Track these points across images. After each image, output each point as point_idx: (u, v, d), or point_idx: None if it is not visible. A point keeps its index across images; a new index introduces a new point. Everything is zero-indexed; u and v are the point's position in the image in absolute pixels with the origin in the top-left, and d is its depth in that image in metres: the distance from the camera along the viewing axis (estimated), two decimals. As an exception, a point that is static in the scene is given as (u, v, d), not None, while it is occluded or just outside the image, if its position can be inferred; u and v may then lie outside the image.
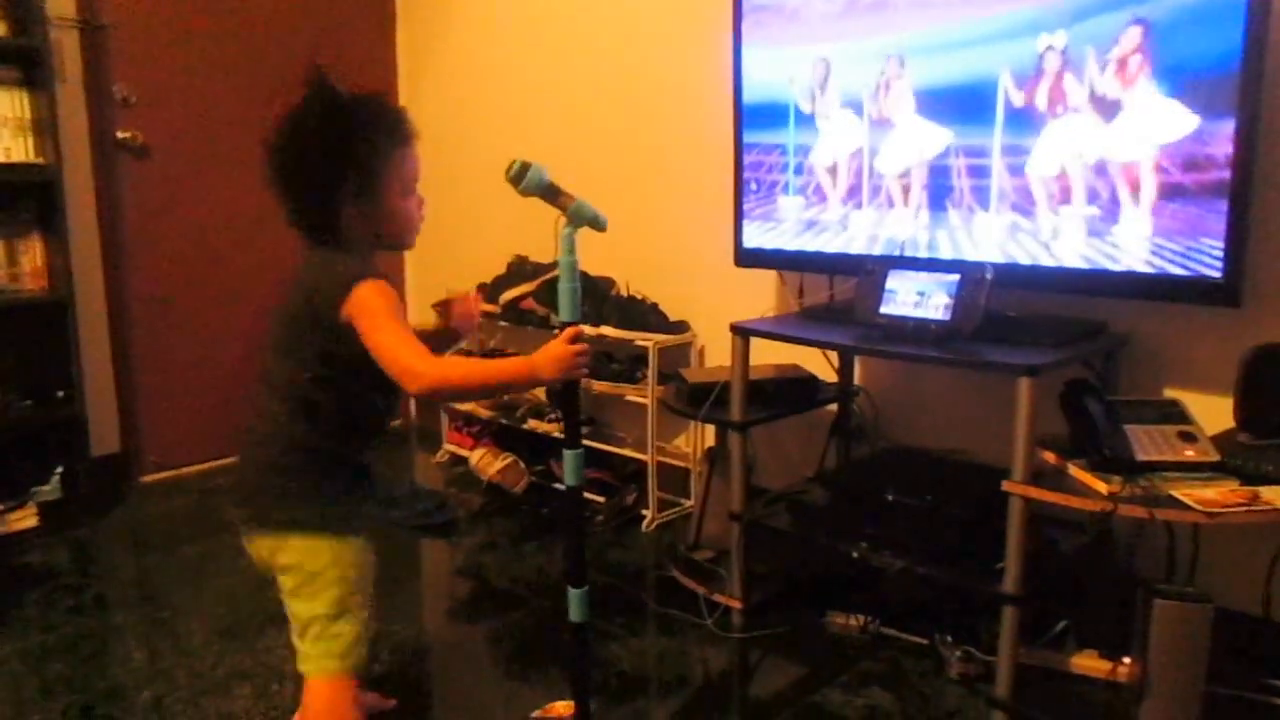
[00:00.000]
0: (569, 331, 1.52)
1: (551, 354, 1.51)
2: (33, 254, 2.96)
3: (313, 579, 1.53)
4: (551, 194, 1.54)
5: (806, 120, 2.34)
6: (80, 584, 2.57)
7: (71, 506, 3.03)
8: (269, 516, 1.55)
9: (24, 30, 2.85)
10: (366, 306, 1.47)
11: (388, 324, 1.47)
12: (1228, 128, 1.73)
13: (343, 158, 1.49)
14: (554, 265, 3.15)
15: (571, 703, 1.71)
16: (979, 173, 2.07)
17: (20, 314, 2.96)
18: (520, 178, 1.51)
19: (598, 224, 1.56)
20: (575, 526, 1.67)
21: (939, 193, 2.14)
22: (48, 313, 2.95)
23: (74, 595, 2.49)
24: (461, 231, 3.78)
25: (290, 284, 1.57)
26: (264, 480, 1.56)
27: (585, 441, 3.06)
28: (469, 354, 3.57)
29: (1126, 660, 1.84)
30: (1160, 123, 1.81)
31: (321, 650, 1.54)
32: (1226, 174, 1.74)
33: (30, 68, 2.89)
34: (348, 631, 1.54)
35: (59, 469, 3.05)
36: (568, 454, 1.60)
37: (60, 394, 3.01)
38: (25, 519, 2.93)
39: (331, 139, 1.49)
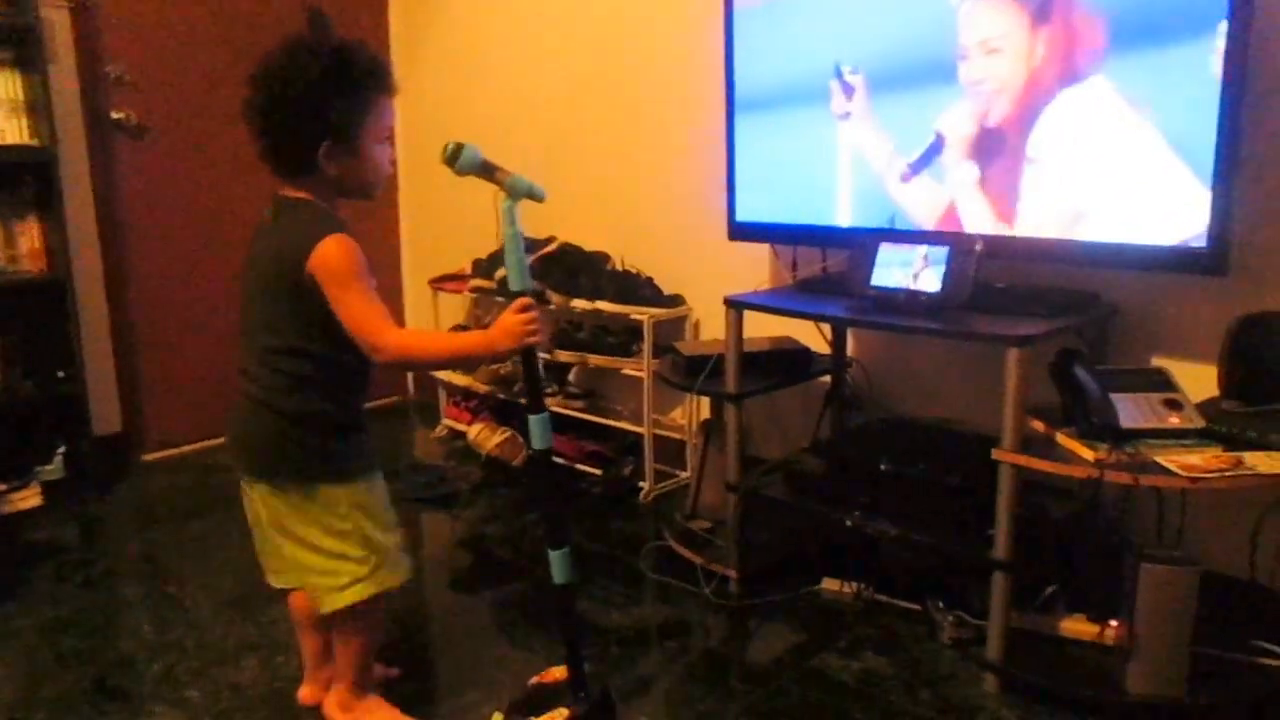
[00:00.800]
0: (518, 302, 1.60)
1: (504, 325, 1.59)
2: (30, 235, 2.98)
3: (331, 524, 1.63)
4: (487, 171, 1.60)
5: (799, 98, 2.36)
6: (88, 560, 2.61)
7: (75, 485, 3.07)
8: (279, 471, 1.64)
9: (15, 9, 2.84)
10: (330, 267, 1.53)
11: (352, 288, 1.54)
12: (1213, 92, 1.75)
13: (329, 98, 1.53)
14: (546, 242, 3.20)
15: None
16: (969, 143, 2.08)
17: (19, 295, 2.98)
18: (455, 158, 1.57)
19: (534, 195, 1.63)
20: (548, 489, 1.73)
21: (928, 163, 2.16)
22: (46, 293, 2.97)
23: (82, 571, 2.53)
24: (456, 208, 3.79)
25: (255, 249, 1.64)
26: (267, 442, 1.63)
27: (582, 415, 3.14)
28: (464, 329, 3.60)
29: (1114, 623, 1.88)
30: (1145, 93, 1.83)
31: (355, 579, 1.65)
32: (1210, 142, 1.76)
33: (22, 47, 2.89)
34: (376, 561, 1.67)
35: (62, 448, 3.09)
36: (532, 419, 1.67)
37: (61, 374, 3.04)
38: (29, 498, 2.96)
39: (322, 81, 1.52)
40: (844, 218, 2.33)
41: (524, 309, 1.59)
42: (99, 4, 3.15)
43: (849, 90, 2.25)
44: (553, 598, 1.72)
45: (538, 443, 1.68)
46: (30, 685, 1.99)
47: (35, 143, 2.91)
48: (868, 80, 2.22)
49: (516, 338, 1.58)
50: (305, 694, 1.89)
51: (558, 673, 1.78)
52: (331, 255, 1.53)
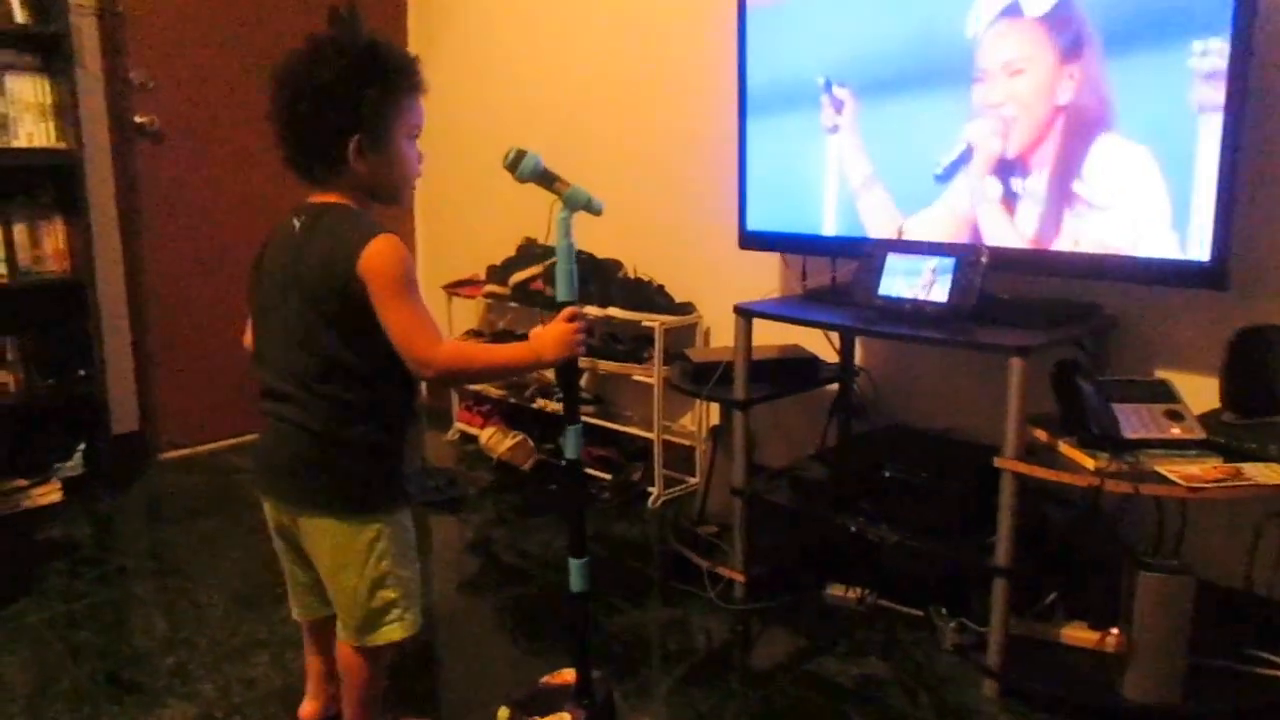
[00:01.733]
0: (567, 311, 1.58)
1: (551, 335, 1.56)
2: (54, 236, 3.03)
3: (359, 557, 1.55)
4: (547, 180, 1.60)
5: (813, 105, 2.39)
6: (103, 556, 2.65)
7: (93, 482, 3.12)
8: (314, 501, 1.55)
9: (45, 17, 2.91)
10: (383, 270, 1.44)
11: (405, 295, 1.46)
12: (1216, 115, 1.77)
13: (357, 98, 1.46)
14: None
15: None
16: (975, 154, 2.11)
17: (43, 295, 3.04)
18: (516, 165, 1.57)
19: (592, 208, 1.61)
20: (576, 499, 1.74)
21: (947, 178, 2.18)
22: (69, 294, 3.03)
23: (97, 567, 2.58)
24: (472, 214, 3.84)
25: (279, 260, 1.54)
26: (321, 473, 1.53)
27: (593, 420, 3.17)
28: (479, 335, 3.65)
29: (1113, 631, 1.90)
30: (1149, 107, 1.85)
31: (393, 619, 1.59)
32: (1215, 157, 1.78)
33: (51, 54, 2.96)
34: (393, 601, 1.59)
35: (81, 446, 3.14)
36: (569, 429, 1.67)
37: (81, 373, 3.10)
38: (49, 494, 3.02)
39: (351, 74, 1.46)
40: (852, 228, 2.36)
41: (572, 321, 1.55)
42: (125, 12, 3.21)
43: (838, 104, 2.29)
44: (569, 604, 1.72)
45: (571, 452, 1.67)
46: (45, 678, 2.03)
47: (62, 146, 2.97)
48: (875, 91, 2.25)
49: (567, 348, 1.55)
50: (307, 710, 1.83)
51: (567, 675, 1.80)
52: (386, 257, 1.44)
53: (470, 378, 1.58)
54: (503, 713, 1.75)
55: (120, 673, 2.05)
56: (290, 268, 1.52)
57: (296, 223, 1.54)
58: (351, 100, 1.46)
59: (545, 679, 1.84)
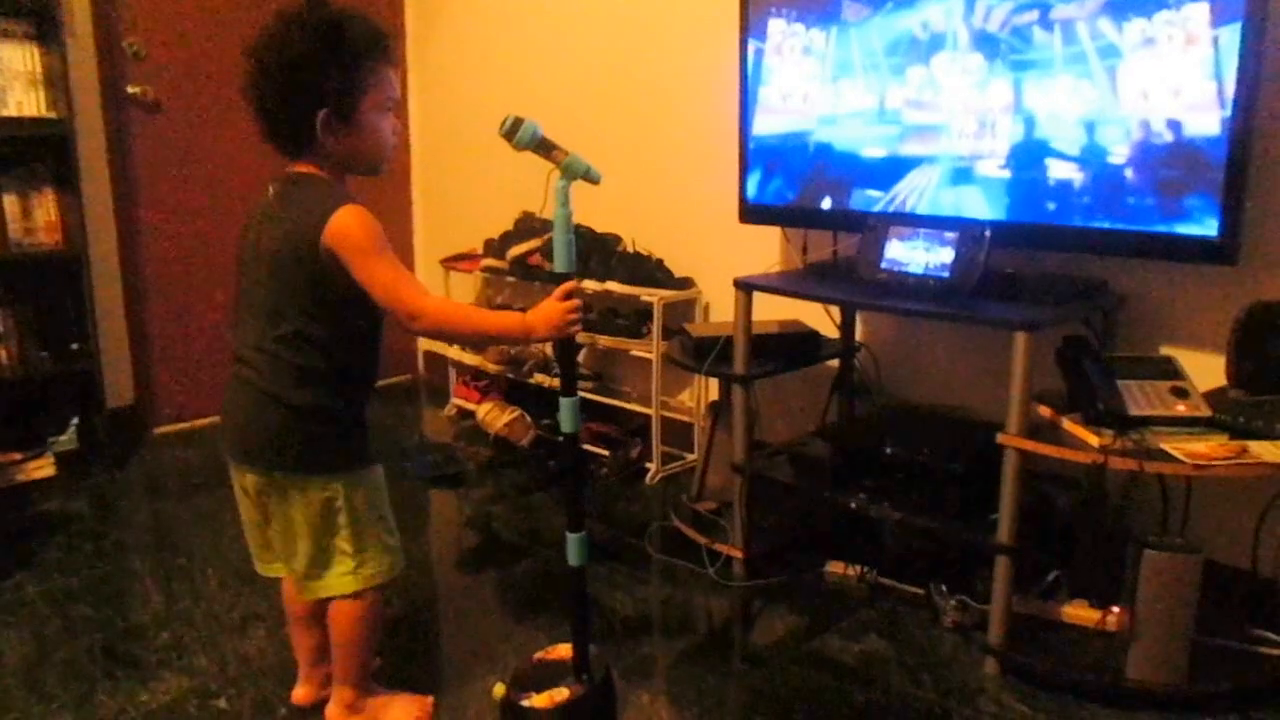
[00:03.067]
0: (563, 287, 1.56)
1: (544, 312, 1.55)
2: (46, 208, 3.00)
3: (311, 513, 1.60)
4: (545, 148, 1.57)
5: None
6: (99, 530, 2.64)
7: (88, 457, 3.11)
8: (277, 463, 1.59)
9: (34, -17, 2.87)
10: (350, 237, 1.48)
11: (380, 256, 1.49)
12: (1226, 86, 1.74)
13: (324, 66, 1.49)
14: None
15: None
16: (979, 127, 2.08)
17: (36, 268, 3.01)
18: (513, 132, 1.54)
19: (591, 177, 1.59)
20: (573, 473, 1.72)
21: (939, 144, 2.15)
22: (62, 267, 3.00)
23: (93, 541, 2.56)
24: (469, 188, 3.80)
25: (256, 231, 1.58)
26: (270, 433, 1.57)
27: (591, 396, 3.15)
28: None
29: (1116, 610, 1.89)
30: (1159, 78, 1.82)
31: (344, 572, 1.64)
32: (1224, 132, 1.75)
33: (41, 21, 2.91)
34: (366, 556, 1.64)
35: (75, 420, 3.12)
36: (564, 402, 1.65)
37: (75, 347, 3.07)
38: (43, 468, 3.00)
39: (315, 50, 1.48)
40: (856, 201, 2.32)
41: (567, 296, 1.55)
42: (116, -21, 3.16)
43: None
44: (567, 578, 1.72)
45: (567, 425, 1.66)
46: (41, 651, 2.02)
47: (53, 116, 2.93)
48: (883, 59, 2.22)
49: (557, 328, 1.55)
50: (300, 694, 1.84)
51: (562, 650, 1.79)
52: (351, 225, 1.48)
53: (456, 335, 1.59)
54: (498, 689, 1.73)
55: (116, 646, 2.04)
56: (261, 236, 1.57)
57: (271, 192, 1.59)
58: (317, 75, 1.49)
59: (539, 655, 1.82)
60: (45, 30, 2.91)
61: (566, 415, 1.65)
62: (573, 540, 1.69)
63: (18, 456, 2.97)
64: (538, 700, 1.67)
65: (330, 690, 1.77)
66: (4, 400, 3.02)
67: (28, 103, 2.91)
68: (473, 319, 1.69)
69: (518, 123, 1.54)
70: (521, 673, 1.76)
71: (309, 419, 1.57)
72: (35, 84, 2.92)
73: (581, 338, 3.07)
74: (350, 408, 1.63)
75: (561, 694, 1.68)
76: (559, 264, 1.59)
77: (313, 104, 1.50)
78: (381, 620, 1.75)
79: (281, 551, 1.68)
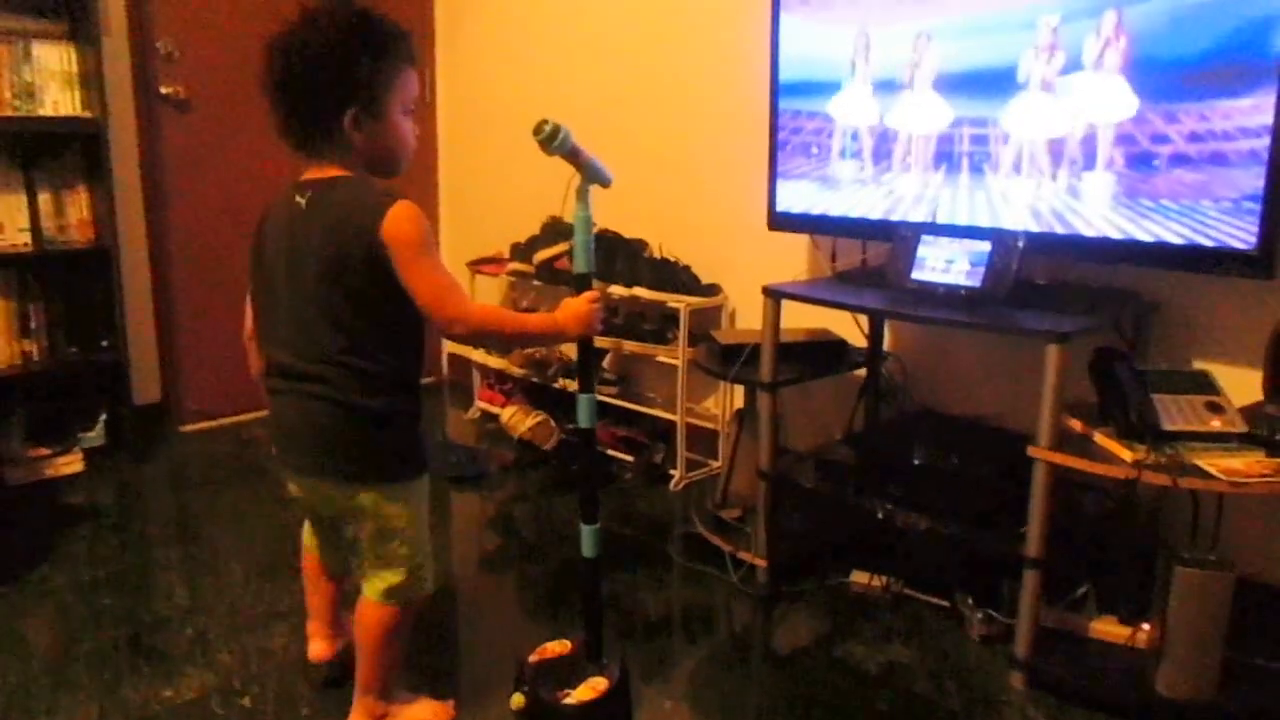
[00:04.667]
0: (591, 293, 1.63)
1: (573, 311, 1.62)
2: (79, 205, 3.03)
3: (386, 523, 1.58)
4: (575, 155, 1.61)
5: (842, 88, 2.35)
6: (125, 524, 2.66)
7: (115, 452, 3.13)
8: (348, 472, 1.56)
9: (72, -16, 2.91)
10: (407, 234, 1.46)
11: (431, 256, 1.48)
12: (1269, 99, 1.72)
13: (356, 58, 1.47)
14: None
15: (566, 641, 1.80)
16: (1009, 141, 2.07)
17: (67, 264, 3.04)
18: (552, 139, 1.56)
19: (603, 180, 1.64)
20: (587, 466, 1.74)
21: (973, 160, 2.14)
22: (93, 263, 3.03)
23: (120, 534, 2.58)
24: (496, 191, 3.81)
25: (285, 238, 1.54)
26: (350, 443, 1.54)
27: (616, 401, 3.15)
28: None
29: (1146, 625, 1.87)
30: (1202, 91, 1.81)
31: (391, 581, 1.62)
32: (1264, 144, 1.73)
33: (77, 23, 2.95)
34: (415, 565, 1.63)
35: (103, 416, 3.15)
36: (581, 398, 1.70)
37: (105, 343, 3.09)
38: (72, 463, 3.02)
39: (344, 39, 1.47)
40: (887, 210, 2.31)
41: (595, 300, 1.62)
42: (152, -21, 3.19)
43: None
44: (581, 570, 1.73)
45: (584, 421, 1.70)
46: (68, 641, 2.04)
47: (87, 114, 2.96)
48: (924, 65, 2.21)
49: (586, 326, 1.61)
50: (316, 650, 1.86)
51: (555, 647, 1.80)
52: (408, 221, 1.46)
53: (498, 339, 1.63)
54: (517, 699, 1.71)
55: (142, 639, 2.05)
56: (301, 244, 1.51)
57: (301, 200, 1.54)
58: (347, 70, 1.48)
59: (535, 656, 1.78)
60: (81, 31, 2.95)
61: (584, 411, 1.70)
62: (587, 532, 1.73)
63: (47, 451, 3.00)
64: (578, 694, 1.66)
65: (345, 642, 1.85)
66: (34, 395, 3.05)
67: (63, 102, 2.94)
68: (511, 322, 1.68)
69: (557, 129, 1.55)
70: (530, 676, 1.73)
71: (388, 425, 1.54)
72: (70, 83, 2.95)
73: (607, 342, 3.07)
74: (417, 407, 1.61)
75: (600, 683, 1.68)
76: (579, 265, 1.66)
77: (343, 100, 1.49)
78: (410, 632, 1.72)
79: (363, 558, 1.64)
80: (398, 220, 1.45)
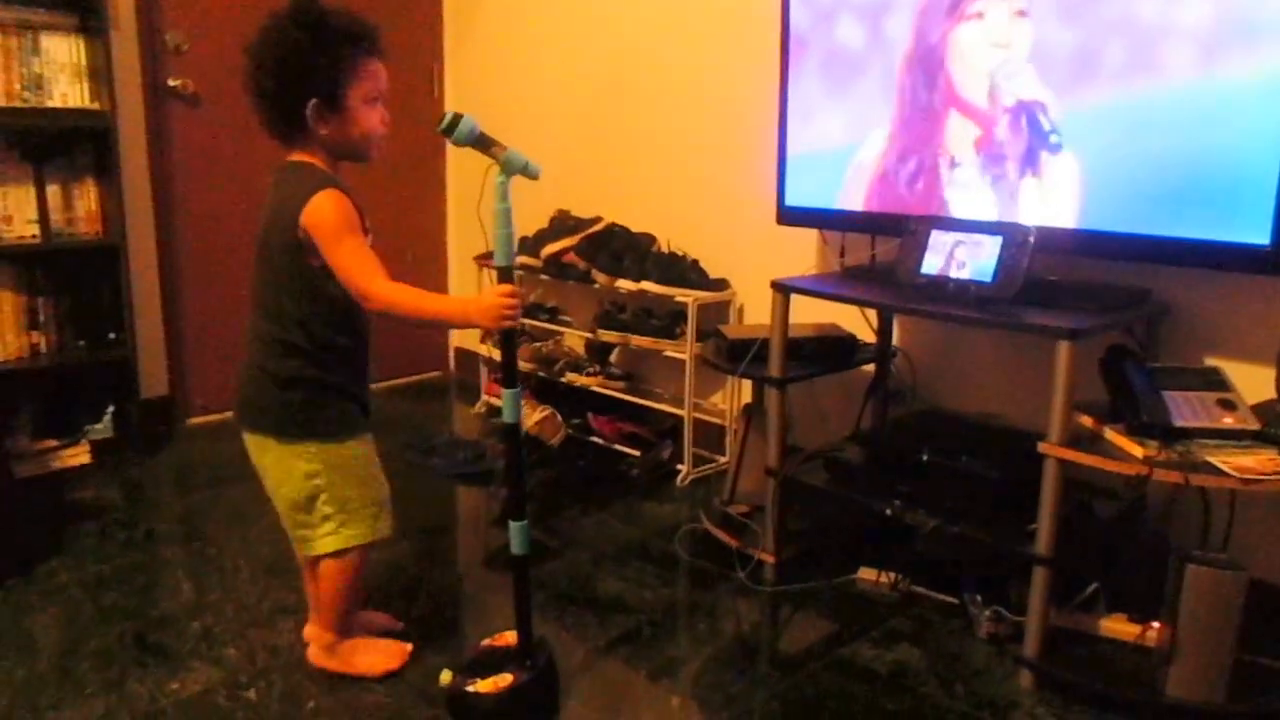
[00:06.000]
0: (504, 286, 1.63)
1: (483, 303, 1.65)
2: (87, 199, 3.03)
3: (292, 475, 1.77)
4: (483, 144, 1.62)
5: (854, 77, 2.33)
6: (132, 519, 2.66)
7: (122, 445, 3.13)
8: (260, 425, 1.78)
9: (80, -24, 2.90)
10: (322, 221, 1.62)
11: (344, 239, 1.63)
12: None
13: (311, 57, 1.62)
14: (593, 222, 3.20)
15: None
16: (1022, 134, 2.05)
17: (75, 258, 3.03)
18: (452, 129, 1.59)
19: (529, 172, 1.65)
20: (514, 462, 1.76)
21: (984, 154, 2.12)
22: (101, 257, 3.03)
23: (126, 530, 2.58)
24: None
25: (261, 219, 1.74)
26: (256, 399, 1.77)
27: (623, 396, 3.14)
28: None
29: (1156, 625, 1.85)
30: (1212, 83, 1.78)
31: (327, 533, 1.80)
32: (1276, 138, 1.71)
33: (86, 15, 2.94)
34: (348, 518, 1.80)
35: (110, 409, 3.14)
36: (505, 393, 1.71)
37: (112, 336, 3.10)
38: (78, 456, 3.02)
39: (301, 42, 1.62)
40: (895, 204, 2.30)
41: (508, 294, 1.62)
42: (160, -27, 3.19)
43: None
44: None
45: (508, 416, 1.72)
46: (74, 637, 2.03)
47: (95, 107, 2.96)
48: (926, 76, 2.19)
49: (493, 319, 1.63)
50: (308, 632, 1.97)
51: (509, 637, 1.83)
52: (323, 209, 1.62)
53: (405, 317, 1.72)
54: (445, 675, 1.80)
55: (148, 635, 2.05)
56: (263, 222, 1.74)
57: (272, 181, 1.75)
58: (305, 65, 1.63)
59: (488, 641, 1.87)
60: (90, 24, 2.94)
61: (507, 406, 1.71)
62: (515, 528, 1.76)
63: (54, 444, 3.00)
64: (482, 685, 1.72)
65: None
66: (42, 388, 3.05)
67: (72, 94, 2.94)
68: (419, 303, 1.71)
69: (456, 118, 1.59)
70: (468, 661, 1.82)
71: (288, 388, 1.73)
72: (80, 76, 2.95)
73: (614, 337, 3.06)
74: (330, 379, 1.75)
75: (505, 679, 1.73)
76: (499, 258, 1.66)
77: (303, 93, 1.64)
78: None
79: (280, 509, 1.84)
80: (318, 207, 1.62)
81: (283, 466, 1.78)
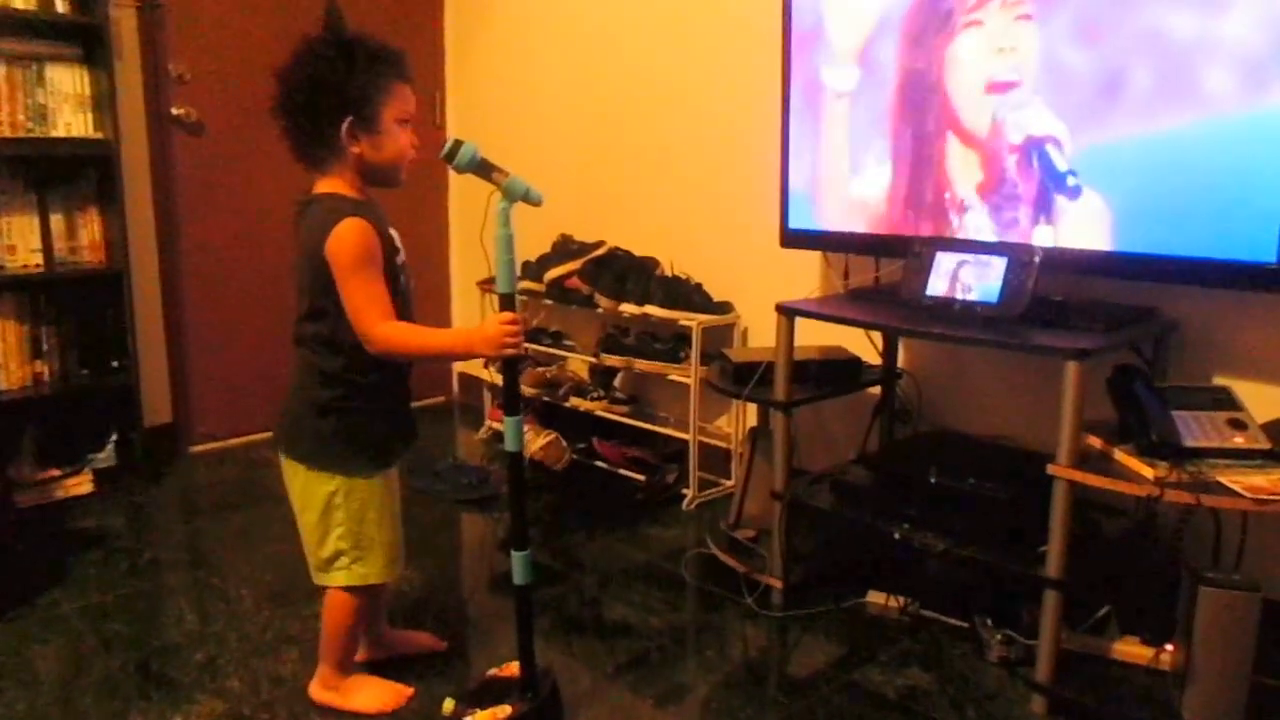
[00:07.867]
0: (505, 314, 1.63)
1: (485, 333, 1.64)
2: (91, 227, 3.04)
3: (315, 504, 1.76)
4: (485, 170, 1.62)
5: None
6: (135, 548, 2.64)
7: (125, 474, 3.12)
8: (287, 447, 1.78)
9: (85, 9, 2.92)
10: (340, 251, 1.61)
11: (356, 275, 1.62)
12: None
13: (347, 74, 1.63)
14: (596, 246, 3.20)
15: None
16: (1029, 152, 2.05)
17: (79, 286, 3.04)
18: (453, 155, 1.59)
19: (530, 199, 1.64)
20: (516, 490, 1.75)
21: (991, 174, 2.12)
22: (104, 285, 3.03)
23: (129, 558, 2.56)
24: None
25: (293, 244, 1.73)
26: (289, 423, 1.77)
27: (628, 420, 3.13)
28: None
29: (1169, 647, 1.83)
30: (1220, 102, 1.78)
31: (341, 567, 1.80)
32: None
33: (90, 45, 2.96)
34: (362, 555, 1.79)
35: (114, 437, 3.14)
36: (508, 420, 1.70)
37: (115, 364, 3.10)
38: (81, 484, 3.01)
39: (336, 59, 1.63)
40: (899, 226, 2.29)
41: (509, 321, 1.62)
42: (164, 5, 3.21)
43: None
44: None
45: (511, 445, 1.70)
46: (77, 668, 2.02)
47: (99, 136, 2.97)
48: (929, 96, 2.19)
49: (495, 347, 1.63)
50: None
51: (513, 668, 1.81)
52: (343, 239, 1.61)
53: (407, 357, 1.74)
54: (448, 704, 1.79)
55: (151, 665, 2.03)
56: (296, 253, 1.72)
57: (296, 212, 1.74)
58: (341, 85, 1.63)
59: (493, 671, 1.87)
60: (94, 54, 2.96)
61: (510, 434, 1.70)
62: (517, 558, 1.74)
63: (57, 473, 2.99)
64: (480, 717, 1.71)
65: (376, 650, 2.01)
66: (44, 416, 3.04)
67: (76, 124, 2.95)
68: (419, 342, 1.72)
69: (457, 145, 1.59)
70: (472, 690, 1.82)
71: (322, 416, 1.72)
72: (84, 106, 2.97)
73: (619, 361, 3.05)
74: (370, 408, 1.75)
75: (504, 711, 1.72)
76: (501, 284, 1.65)
77: (338, 111, 1.64)
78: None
79: (300, 532, 1.82)
80: (339, 238, 1.61)
81: (308, 493, 1.77)
